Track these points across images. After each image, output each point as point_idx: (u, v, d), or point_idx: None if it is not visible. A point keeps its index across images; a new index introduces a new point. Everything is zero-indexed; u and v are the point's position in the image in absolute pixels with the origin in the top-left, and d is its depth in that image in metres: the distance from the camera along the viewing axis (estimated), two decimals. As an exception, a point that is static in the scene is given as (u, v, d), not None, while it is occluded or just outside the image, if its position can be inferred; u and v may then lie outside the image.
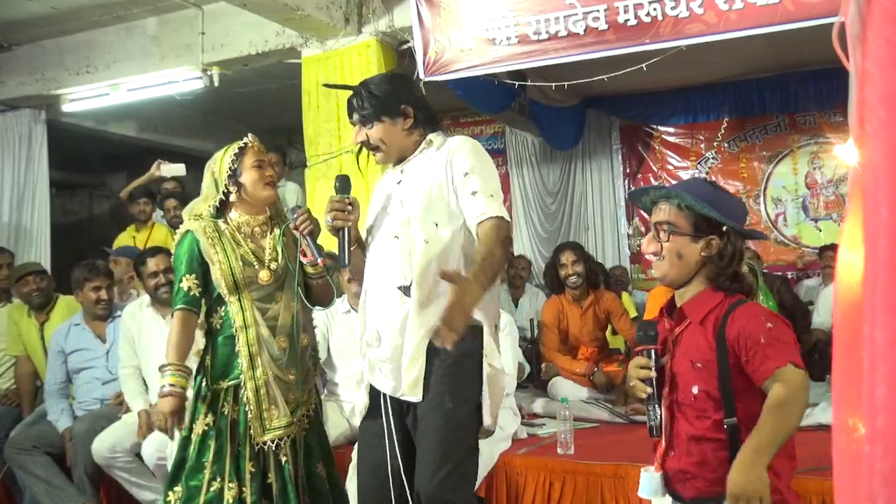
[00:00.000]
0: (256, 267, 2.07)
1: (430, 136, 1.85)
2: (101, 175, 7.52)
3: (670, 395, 1.48)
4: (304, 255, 2.02)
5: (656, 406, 1.46)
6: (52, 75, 4.79)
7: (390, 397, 1.78)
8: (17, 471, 3.13)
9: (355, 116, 1.87)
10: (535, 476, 2.64)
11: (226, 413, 2.03)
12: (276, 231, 2.17)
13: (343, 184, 1.84)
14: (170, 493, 2.06)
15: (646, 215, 1.88)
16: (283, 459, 2.03)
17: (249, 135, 2.18)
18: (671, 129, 6.12)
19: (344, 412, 2.95)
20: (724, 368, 1.42)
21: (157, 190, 4.75)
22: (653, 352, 1.48)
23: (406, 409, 1.78)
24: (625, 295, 4.90)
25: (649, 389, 1.46)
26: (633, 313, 4.56)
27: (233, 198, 2.13)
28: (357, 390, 1.89)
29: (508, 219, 1.75)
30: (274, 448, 2.02)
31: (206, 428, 2.03)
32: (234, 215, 2.15)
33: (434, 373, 1.72)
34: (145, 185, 4.62)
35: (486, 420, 1.75)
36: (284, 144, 7.03)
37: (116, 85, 4.62)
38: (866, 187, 0.51)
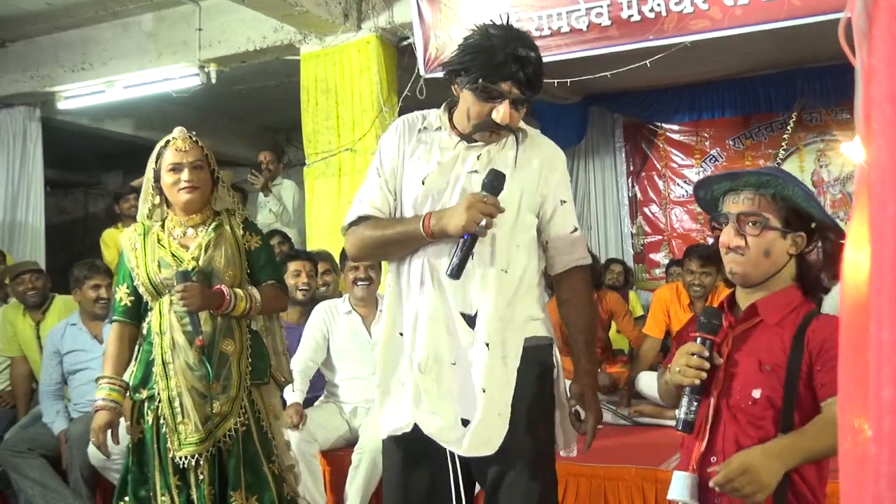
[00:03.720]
0: (174, 268, 1.94)
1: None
2: (97, 173, 7.48)
3: (721, 397, 1.37)
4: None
5: (696, 400, 1.34)
6: (47, 72, 4.76)
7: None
8: (11, 474, 3.08)
9: (517, 91, 1.43)
10: (537, 479, 2.60)
11: (150, 424, 1.94)
12: (210, 227, 1.99)
13: (498, 182, 1.43)
14: (120, 503, 2.00)
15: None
16: (200, 477, 1.91)
17: (177, 129, 1.97)
18: (675, 127, 6.08)
19: (344, 414, 2.91)
20: (793, 374, 1.29)
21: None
22: (710, 343, 1.35)
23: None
24: (632, 294, 4.86)
25: (697, 381, 1.32)
26: (639, 312, 4.52)
27: (156, 200, 2.00)
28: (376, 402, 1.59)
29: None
30: (193, 464, 1.90)
31: (140, 436, 1.97)
32: (169, 216, 2.02)
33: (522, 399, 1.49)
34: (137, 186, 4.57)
35: (561, 442, 1.60)
36: (282, 142, 7.00)
37: (112, 82, 4.60)
38: (873, 185, 0.50)
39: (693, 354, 1.34)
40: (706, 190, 1.45)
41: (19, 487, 3.05)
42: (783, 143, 5.37)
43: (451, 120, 1.54)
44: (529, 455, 1.49)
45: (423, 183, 1.50)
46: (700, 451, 1.37)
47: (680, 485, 1.36)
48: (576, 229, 1.57)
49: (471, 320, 1.47)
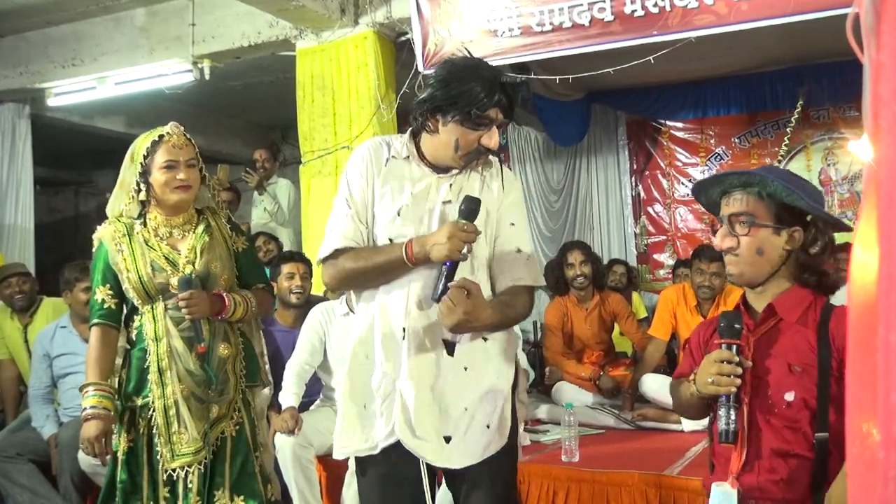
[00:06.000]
0: (169, 272, 1.88)
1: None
2: (88, 172, 7.42)
3: (752, 402, 1.36)
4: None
5: (734, 409, 1.32)
6: (37, 68, 4.71)
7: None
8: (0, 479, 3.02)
9: (502, 116, 1.52)
10: (538, 484, 2.59)
11: (142, 432, 1.90)
12: (200, 228, 1.96)
13: (474, 206, 1.48)
14: None
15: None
16: (189, 486, 1.87)
17: (171, 124, 1.91)
18: (680, 125, 5.99)
19: (341, 419, 2.85)
20: (825, 373, 1.30)
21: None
22: (736, 347, 1.34)
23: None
24: (635, 295, 4.79)
25: (733, 389, 1.31)
26: (643, 314, 4.45)
27: (142, 196, 1.91)
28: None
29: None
30: (184, 475, 1.87)
31: (130, 445, 1.91)
32: (150, 216, 1.95)
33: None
34: None
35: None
36: (278, 140, 6.93)
37: (104, 78, 4.55)
38: (881, 184, 0.50)
39: (723, 362, 1.33)
40: (704, 196, 1.49)
41: (8, 493, 3.03)
42: (785, 140, 5.31)
43: (417, 150, 1.58)
44: (504, 458, 1.58)
45: (399, 214, 1.54)
46: (741, 461, 1.35)
47: (720, 500, 1.33)
48: (520, 251, 1.59)
49: (450, 346, 1.53)
